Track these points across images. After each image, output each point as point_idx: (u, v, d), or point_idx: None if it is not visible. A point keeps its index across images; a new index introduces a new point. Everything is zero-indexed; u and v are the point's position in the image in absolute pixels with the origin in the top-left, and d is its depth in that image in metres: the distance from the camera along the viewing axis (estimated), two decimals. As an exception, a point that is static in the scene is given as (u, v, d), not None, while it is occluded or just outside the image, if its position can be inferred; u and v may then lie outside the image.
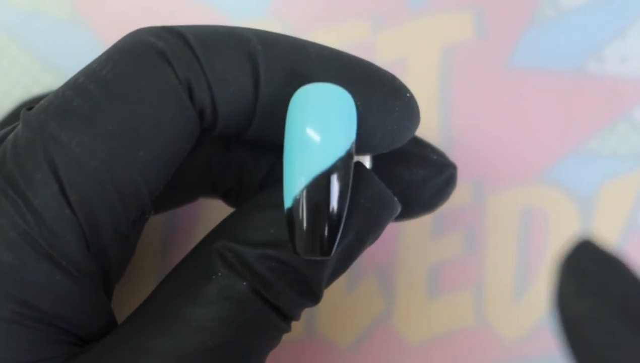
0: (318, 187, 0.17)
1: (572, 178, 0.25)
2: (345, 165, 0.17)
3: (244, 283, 0.17)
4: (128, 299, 0.26)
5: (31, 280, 0.16)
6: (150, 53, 0.17)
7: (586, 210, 0.25)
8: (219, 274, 0.17)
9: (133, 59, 0.17)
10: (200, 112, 0.17)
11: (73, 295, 0.17)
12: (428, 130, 0.25)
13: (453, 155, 0.25)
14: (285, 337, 0.19)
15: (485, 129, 0.25)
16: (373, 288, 0.25)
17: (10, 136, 0.17)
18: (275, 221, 0.18)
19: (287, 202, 0.17)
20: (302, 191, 0.17)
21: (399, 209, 0.19)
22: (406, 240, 0.25)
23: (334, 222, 0.17)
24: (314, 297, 0.18)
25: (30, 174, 0.16)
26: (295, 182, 0.17)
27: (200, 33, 0.17)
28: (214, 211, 0.26)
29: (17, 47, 0.25)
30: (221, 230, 0.18)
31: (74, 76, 0.17)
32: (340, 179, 0.17)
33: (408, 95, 0.19)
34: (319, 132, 0.17)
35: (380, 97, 0.18)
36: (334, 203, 0.17)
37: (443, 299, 0.25)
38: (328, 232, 0.17)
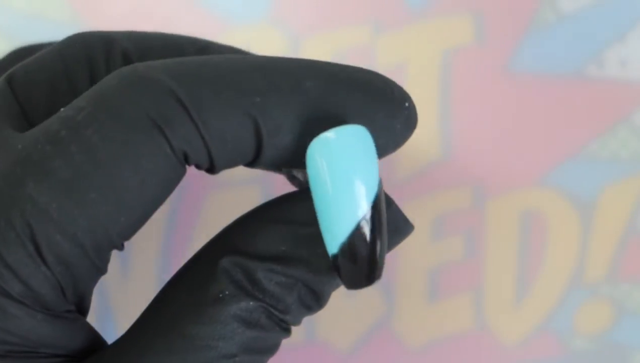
0: (359, 233, 0.17)
1: (572, 182, 0.25)
2: (378, 205, 0.18)
3: (251, 302, 0.17)
4: (128, 299, 0.26)
5: (13, 324, 0.16)
6: (142, 120, 0.16)
7: (586, 214, 0.25)
8: (226, 293, 0.17)
9: (123, 124, 0.16)
10: (195, 165, 0.17)
11: (55, 327, 0.17)
12: (428, 134, 0.25)
13: (453, 159, 0.25)
14: (285, 341, 0.19)
15: (485, 132, 0.25)
16: (373, 291, 0.25)
17: None
18: (288, 238, 0.18)
19: (332, 249, 0.17)
20: (345, 240, 0.17)
21: (412, 231, 0.20)
22: (406, 243, 0.25)
23: (380, 256, 0.18)
24: (320, 307, 0.19)
25: (4, 231, 0.16)
26: (337, 231, 0.17)
27: (195, 89, 0.16)
28: (214, 211, 0.26)
29: (17, 50, 0.25)
30: (228, 241, 0.18)
31: (54, 121, 0.16)
32: (377, 218, 0.17)
33: (407, 105, 0.19)
34: (349, 181, 0.17)
35: (383, 119, 0.19)
36: (378, 241, 0.18)
37: (443, 303, 0.25)
38: (375, 266, 0.18)
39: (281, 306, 0.18)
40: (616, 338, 0.25)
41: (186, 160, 0.17)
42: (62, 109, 0.17)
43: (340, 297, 0.24)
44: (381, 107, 0.19)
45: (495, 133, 0.25)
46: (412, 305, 0.25)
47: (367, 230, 0.17)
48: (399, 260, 0.25)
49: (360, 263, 0.18)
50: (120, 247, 0.17)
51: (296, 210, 0.18)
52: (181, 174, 0.17)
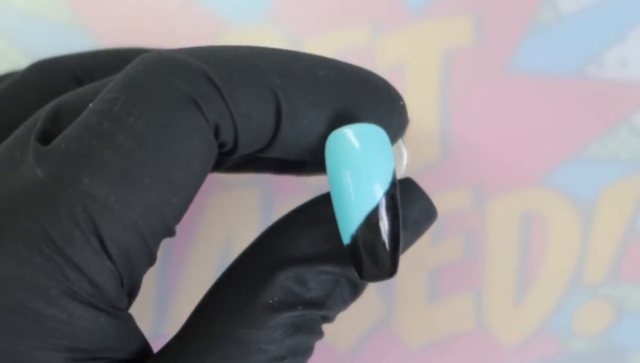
0: (372, 223, 0.18)
1: (572, 182, 0.25)
2: (392, 196, 0.18)
3: (299, 307, 0.18)
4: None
5: (80, 328, 0.16)
6: (180, 99, 0.16)
7: (586, 214, 0.25)
8: (276, 299, 0.18)
9: (162, 106, 0.16)
10: (221, 145, 0.18)
11: (115, 329, 0.17)
12: (428, 134, 0.25)
13: (453, 159, 0.25)
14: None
15: (485, 133, 0.25)
16: (373, 292, 0.25)
17: (19, 184, 0.16)
18: (330, 236, 0.19)
19: (346, 239, 0.18)
20: (358, 229, 0.18)
21: (436, 217, 0.21)
22: (406, 244, 0.25)
23: (394, 247, 0.18)
24: (354, 300, 0.20)
25: (68, 231, 0.16)
26: (350, 222, 0.18)
27: (222, 69, 0.17)
28: (214, 212, 0.26)
29: (17, 50, 0.25)
30: (273, 248, 0.19)
31: (91, 116, 0.16)
32: (390, 209, 0.18)
33: (401, 103, 0.20)
34: (362, 178, 0.18)
35: (383, 113, 0.19)
36: (390, 232, 0.18)
37: (443, 303, 0.25)
38: (390, 257, 0.18)
39: (327, 304, 0.19)
40: (616, 338, 0.25)
41: (216, 138, 0.17)
42: (90, 105, 0.17)
43: (340, 298, 0.24)
44: (381, 101, 0.20)
45: (495, 133, 0.25)
46: (412, 305, 0.25)
47: (379, 221, 0.18)
48: (399, 260, 0.25)
49: (373, 255, 0.18)
50: (173, 232, 0.17)
51: (330, 208, 0.18)
52: (215, 153, 0.17)
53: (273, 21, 0.25)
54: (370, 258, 0.18)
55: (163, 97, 0.16)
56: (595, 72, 0.24)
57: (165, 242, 0.25)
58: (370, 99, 0.19)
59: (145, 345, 0.18)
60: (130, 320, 0.18)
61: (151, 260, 0.17)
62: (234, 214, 0.26)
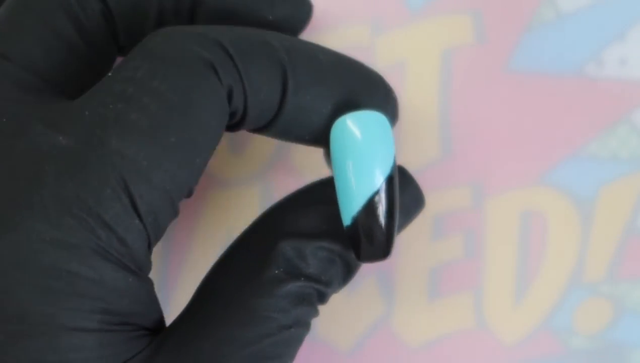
0: (372, 206, 0.19)
1: (572, 181, 0.25)
2: (391, 182, 0.19)
3: (302, 279, 0.19)
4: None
5: (111, 289, 0.17)
6: (199, 64, 0.17)
7: (586, 213, 0.25)
8: (281, 270, 0.19)
9: (183, 70, 0.17)
10: (231, 114, 0.18)
11: (141, 292, 0.18)
12: (428, 132, 0.25)
13: (453, 158, 0.25)
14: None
15: (484, 131, 0.25)
16: (373, 291, 0.25)
17: (37, 153, 0.16)
18: (329, 217, 0.20)
19: (346, 221, 0.19)
20: (359, 212, 0.19)
21: (424, 204, 0.22)
22: (406, 242, 0.25)
23: (390, 230, 0.19)
24: (349, 280, 0.21)
25: (98, 190, 0.16)
26: (351, 205, 0.19)
27: (235, 41, 0.18)
28: (214, 210, 0.26)
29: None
30: (276, 224, 0.20)
31: (113, 83, 0.17)
32: (390, 194, 0.19)
33: (393, 96, 0.21)
34: (365, 162, 0.19)
35: (380, 100, 0.21)
36: (387, 215, 0.19)
37: (443, 302, 0.25)
38: (386, 240, 0.19)
39: (325, 280, 0.20)
40: (616, 336, 0.25)
41: (229, 103, 0.18)
42: (109, 74, 0.17)
43: (341, 297, 0.24)
44: (378, 88, 0.21)
45: (495, 132, 0.25)
46: (412, 304, 0.25)
47: (379, 204, 0.19)
48: (399, 259, 0.25)
49: (370, 236, 0.19)
50: (192, 193, 0.18)
51: (331, 191, 0.20)
52: (226, 119, 0.18)
53: (273, 20, 0.25)
54: (368, 239, 0.19)
55: (183, 61, 0.17)
56: (595, 70, 0.24)
57: (165, 241, 0.26)
58: (368, 84, 0.21)
59: (162, 317, 0.19)
60: (152, 286, 0.18)
61: (174, 218, 0.18)
62: (234, 213, 0.26)
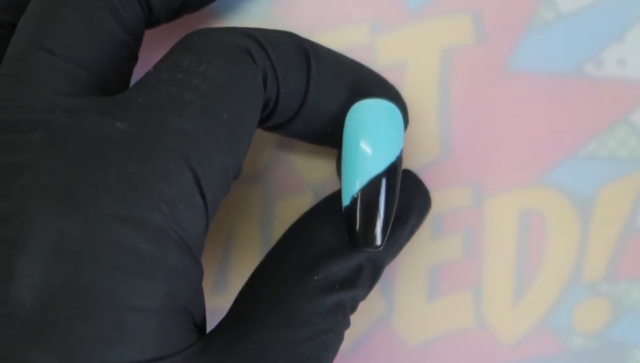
0: (372, 188, 0.19)
1: (570, 181, 0.25)
2: (395, 169, 0.20)
3: (337, 285, 0.20)
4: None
5: (171, 269, 0.17)
6: (240, 51, 0.18)
7: (585, 212, 0.25)
8: (319, 276, 0.20)
9: (226, 56, 0.18)
10: (264, 105, 0.19)
11: (195, 278, 0.18)
12: (427, 133, 0.25)
13: (452, 158, 0.25)
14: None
15: (484, 131, 0.25)
16: (373, 290, 0.25)
17: (103, 134, 0.17)
18: None
19: (345, 201, 0.20)
20: (359, 192, 0.19)
21: (431, 206, 0.23)
22: (406, 242, 0.25)
23: (386, 217, 0.20)
24: (375, 284, 0.22)
25: (162, 166, 0.16)
26: (353, 184, 0.19)
27: (263, 33, 0.19)
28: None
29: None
30: (318, 230, 0.21)
31: (161, 74, 0.17)
32: (391, 181, 0.19)
33: (403, 100, 0.23)
34: (375, 143, 0.19)
35: (391, 97, 0.21)
36: (386, 201, 0.19)
37: (442, 301, 0.25)
38: (382, 226, 0.19)
39: (357, 284, 0.20)
40: (615, 335, 0.25)
41: (264, 86, 0.19)
42: (151, 69, 0.18)
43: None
44: (390, 88, 0.22)
45: (495, 132, 0.25)
46: (412, 303, 0.25)
47: (379, 188, 0.19)
48: (399, 259, 0.25)
49: (366, 219, 0.19)
50: (240, 171, 0.19)
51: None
52: (261, 105, 0.19)
53: (273, 20, 0.25)
54: (364, 222, 0.19)
55: (223, 48, 0.18)
56: (594, 71, 0.24)
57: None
58: (381, 81, 0.22)
59: (205, 315, 0.19)
60: (203, 274, 0.18)
61: (227, 192, 0.18)
62: (234, 212, 0.26)
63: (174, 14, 0.21)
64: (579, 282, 0.25)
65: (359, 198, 0.19)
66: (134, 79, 0.20)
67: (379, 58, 0.25)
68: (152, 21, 0.20)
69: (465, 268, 0.25)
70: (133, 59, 0.20)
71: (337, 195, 0.22)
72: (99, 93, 0.18)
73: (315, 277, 0.20)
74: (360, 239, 0.20)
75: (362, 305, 0.24)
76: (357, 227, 0.19)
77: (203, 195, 0.17)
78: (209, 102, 0.17)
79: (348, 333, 0.26)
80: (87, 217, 0.16)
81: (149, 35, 0.21)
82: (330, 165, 0.25)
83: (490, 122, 0.25)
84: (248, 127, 0.18)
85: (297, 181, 0.25)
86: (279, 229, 0.25)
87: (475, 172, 0.25)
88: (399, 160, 0.20)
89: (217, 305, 0.25)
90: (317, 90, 0.20)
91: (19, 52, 0.18)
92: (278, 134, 0.21)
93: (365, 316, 0.25)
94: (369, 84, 0.21)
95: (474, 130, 0.25)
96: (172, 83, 0.17)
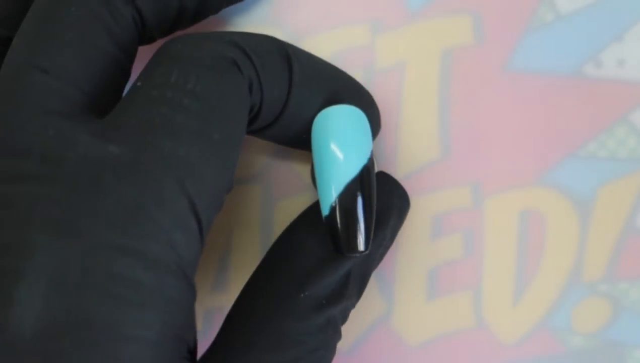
0: (349, 193, 0.19)
1: (570, 181, 0.25)
2: (368, 172, 0.19)
3: (324, 300, 0.20)
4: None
5: (169, 298, 0.17)
6: (226, 62, 0.18)
7: (584, 212, 0.25)
8: (307, 293, 0.20)
9: (214, 69, 0.17)
10: (250, 107, 0.19)
11: (189, 303, 0.18)
12: (427, 133, 0.25)
13: (452, 158, 0.25)
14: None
15: (484, 131, 0.25)
16: (373, 290, 0.25)
17: (99, 158, 0.16)
18: None
19: (325, 210, 0.19)
20: (336, 199, 0.19)
21: (410, 204, 0.23)
22: (405, 242, 0.25)
23: (368, 219, 0.19)
24: (364, 291, 0.22)
25: (159, 193, 0.16)
26: (329, 192, 0.19)
27: (247, 40, 0.19)
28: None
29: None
30: (301, 246, 0.21)
31: (148, 90, 0.17)
32: (366, 183, 0.19)
33: (376, 106, 0.23)
34: (344, 148, 0.19)
35: (364, 104, 0.21)
36: (364, 205, 0.19)
37: (442, 301, 0.25)
38: (364, 230, 0.19)
39: (345, 295, 0.20)
40: (614, 336, 0.25)
41: (250, 95, 0.18)
42: (138, 83, 0.18)
43: (341, 296, 0.24)
44: (363, 94, 0.22)
45: (494, 132, 0.25)
46: (412, 303, 0.25)
47: (356, 192, 0.19)
48: (399, 259, 0.25)
49: (347, 225, 0.19)
50: (232, 187, 0.19)
51: None
52: (248, 113, 0.19)
53: (273, 20, 0.25)
54: (345, 228, 0.19)
55: (210, 60, 0.18)
56: (594, 71, 0.24)
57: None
58: (356, 87, 0.22)
59: (196, 339, 0.19)
60: (195, 299, 0.18)
61: (219, 212, 0.18)
62: (234, 213, 0.26)
63: (169, 30, 0.20)
64: (578, 282, 0.25)
65: (337, 205, 0.19)
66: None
67: (379, 58, 0.25)
68: (146, 38, 0.20)
69: (465, 268, 0.25)
70: (126, 75, 0.19)
71: (315, 205, 0.22)
72: (92, 112, 0.18)
73: (303, 295, 0.19)
74: (344, 246, 0.19)
75: (362, 305, 0.24)
76: (340, 234, 0.19)
77: (198, 220, 0.17)
78: (201, 123, 0.17)
79: (348, 333, 0.26)
80: (87, 246, 0.16)
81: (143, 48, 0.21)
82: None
83: (490, 122, 0.25)
84: (238, 141, 0.18)
85: (297, 181, 0.25)
86: (279, 229, 0.25)
87: (475, 172, 0.25)
88: (370, 162, 0.20)
89: (217, 305, 0.25)
90: (297, 97, 0.20)
91: (13, 71, 0.17)
92: (254, 136, 0.21)
93: (365, 316, 0.25)
94: (344, 89, 0.21)
95: (474, 130, 0.25)
96: (163, 103, 0.17)
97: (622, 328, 0.25)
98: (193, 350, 0.19)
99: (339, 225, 0.19)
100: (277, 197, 0.25)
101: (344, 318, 0.21)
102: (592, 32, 0.24)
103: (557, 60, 0.24)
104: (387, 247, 0.22)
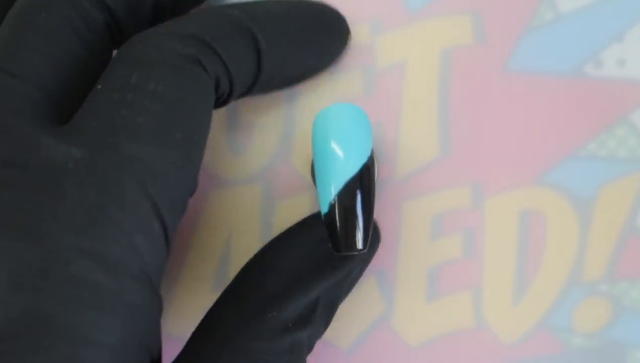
0: (348, 192, 0.19)
1: (570, 181, 0.25)
2: (368, 171, 0.19)
3: (290, 323, 0.19)
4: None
5: (130, 303, 0.16)
6: (187, 62, 0.18)
7: (585, 212, 0.25)
8: (274, 313, 0.19)
9: (173, 69, 0.17)
10: (219, 96, 0.19)
11: (154, 311, 0.17)
12: (427, 133, 0.25)
13: (452, 158, 0.25)
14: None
15: (483, 132, 0.25)
16: (373, 290, 0.25)
17: (51, 166, 0.16)
18: (313, 255, 0.21)
19: (324, 208, 0.19)
20: (335, 197, 0.19)
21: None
22: (406, 242, 0.25)
23: (367, 218, 0.19)
24: (331, 320, 0.22)
25: (120, 195, 0.16)
26: (329, 190, 0.19)
27: (207, 28, 0.18)
28: (214, 210, 0.26)
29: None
30: (270, 266, 0.21)
31: (109, 93, 0.17)
32: (366, 182, 0.19)
33: (345, 24, 0.23)
34: (345, 146, 0.19)
35: (333, 31, 0.22)
36: (363, 204, 0.19)
37: (442, 301, 0.25)
38: (363, 228, 0.19)
39: (312, 321, 0.20)
40: (614, 335, 0.25)
41: (216, 90, 0.18)
42: (99, 86, 0.17)
43: (340, 296, 0.24)
44: (331, 22, 0.22)
45: (494, 132, 0.25)
46: (412, 303, 0.25)
47: (355, 191, 0.19)
48: (399, 259, 0.25)
49: (346, 223, 0.19)
50: (196, 187, 0.18)
51: (313, 224, 0.21)
52: (212, 106, 0.19)
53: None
54: (344, 226, 0.19)
55: (172, 61, 0.17)
56: (594, 71, 0.24)
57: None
58: (322, 20, 0.22)
59: (161, 349, 0.19)
60: (162, 307, 0.18)
61: (184, 214, 0.18)
62: (234, 213, 0.26)
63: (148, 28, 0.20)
64: (578, 281, 0.25)
65: (336, 203, 0.19)
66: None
67: (379, 58, 0.25)
68: (124, 39, 0.20)
69: (465, 268, 0.25)
70: (96, 80, 0.19)
71: (295, 227, 0.22)
72: (60, 116, 0.18)
73: (270, 315, 0.19)
74: (342, 244, 0.19)
75: (362, 305, 0.24)
76: (338, 232, 0.19)
77: (162, 223, 0.17)
78: (162, 124, 0.17)
79: (348, 333, 0.26)
80: (47, 249, 0.16)
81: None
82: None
83: (490, 122, 0.25)
84: (202, 140, 0.18)
85: (297, 181, 0.25)
86: (279, 229, 0.25)
87: (475, 172, 0.25)
88: (370, 160, 0.20)
89: (217, 305, 0.25)
90: (269, 60, 0.20)
91: None
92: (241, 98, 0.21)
93: (365, 316, 0.25)
94: (310, 22, 0.21)
95: (474, 130, 0.25)
96: (124, 105, 0.17)
97: (622, 328, 0.25)
98: (157, 361, 0.18)
99: (337, 223, 0.19)
100: (277, 197, 0.25)
101: (310, 346, 0.20)
102: (592, 32, 0.24)
103: (557, 60, 0.24)
104: (355, 279, 0.22)
